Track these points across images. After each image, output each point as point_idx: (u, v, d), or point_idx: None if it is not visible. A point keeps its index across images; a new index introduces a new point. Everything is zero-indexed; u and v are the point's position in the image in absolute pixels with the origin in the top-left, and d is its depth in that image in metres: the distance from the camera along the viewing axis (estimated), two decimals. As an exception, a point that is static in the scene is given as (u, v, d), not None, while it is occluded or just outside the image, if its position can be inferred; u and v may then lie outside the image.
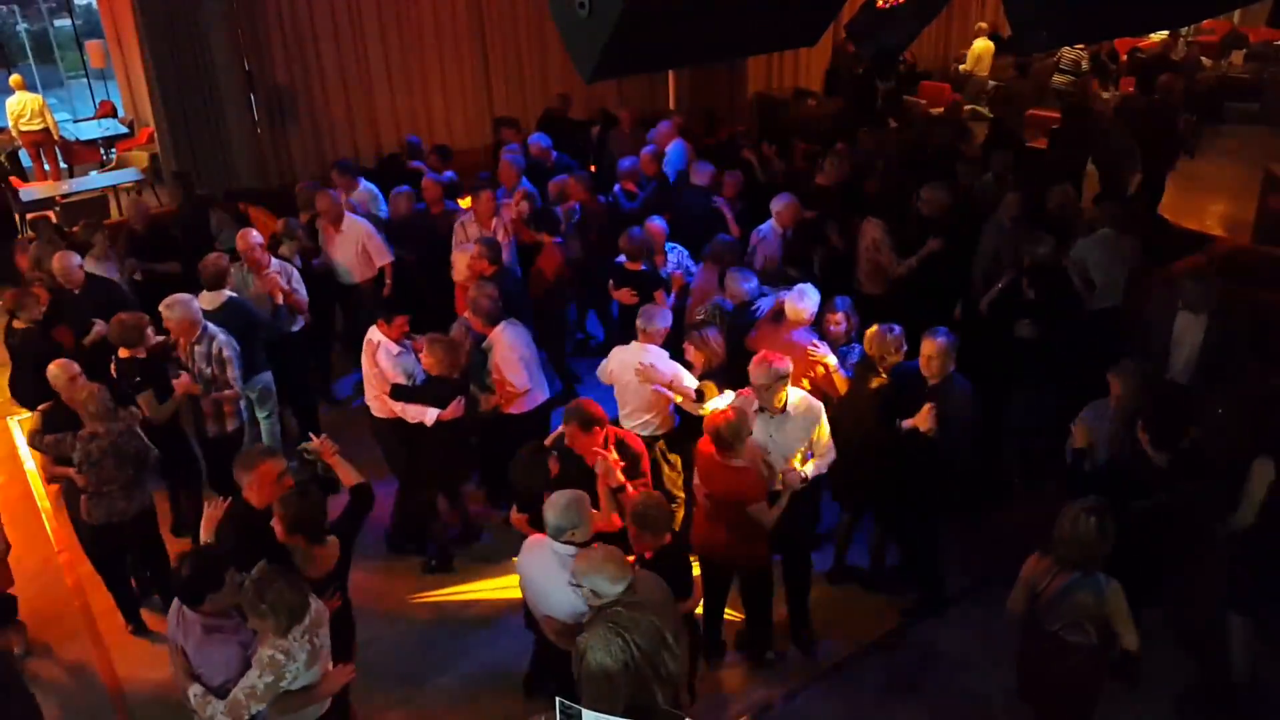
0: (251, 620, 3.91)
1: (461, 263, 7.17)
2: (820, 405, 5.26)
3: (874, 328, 5.55)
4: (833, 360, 5.74)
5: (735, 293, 6.45)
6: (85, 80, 16.95)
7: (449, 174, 9.56)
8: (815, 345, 5.77)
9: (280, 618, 3.85)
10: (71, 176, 13.36)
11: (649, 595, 3.90)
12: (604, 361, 6.17)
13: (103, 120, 14.69)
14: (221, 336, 6.35)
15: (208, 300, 6.73)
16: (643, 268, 7.21)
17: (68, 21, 17.87)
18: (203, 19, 10.43)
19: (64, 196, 11.63)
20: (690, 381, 5.75)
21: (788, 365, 5.07)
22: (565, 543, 4.23)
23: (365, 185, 9.01)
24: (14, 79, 13.22)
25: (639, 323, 5.96)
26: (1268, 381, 6.23)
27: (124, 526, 5.67)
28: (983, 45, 15.97)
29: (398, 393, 6.06)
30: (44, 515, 7.17)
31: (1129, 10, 3.48)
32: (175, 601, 4.12)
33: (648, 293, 6.95)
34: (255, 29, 11.26)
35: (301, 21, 11.55)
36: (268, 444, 7.02)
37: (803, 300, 5.89)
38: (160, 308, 6.27)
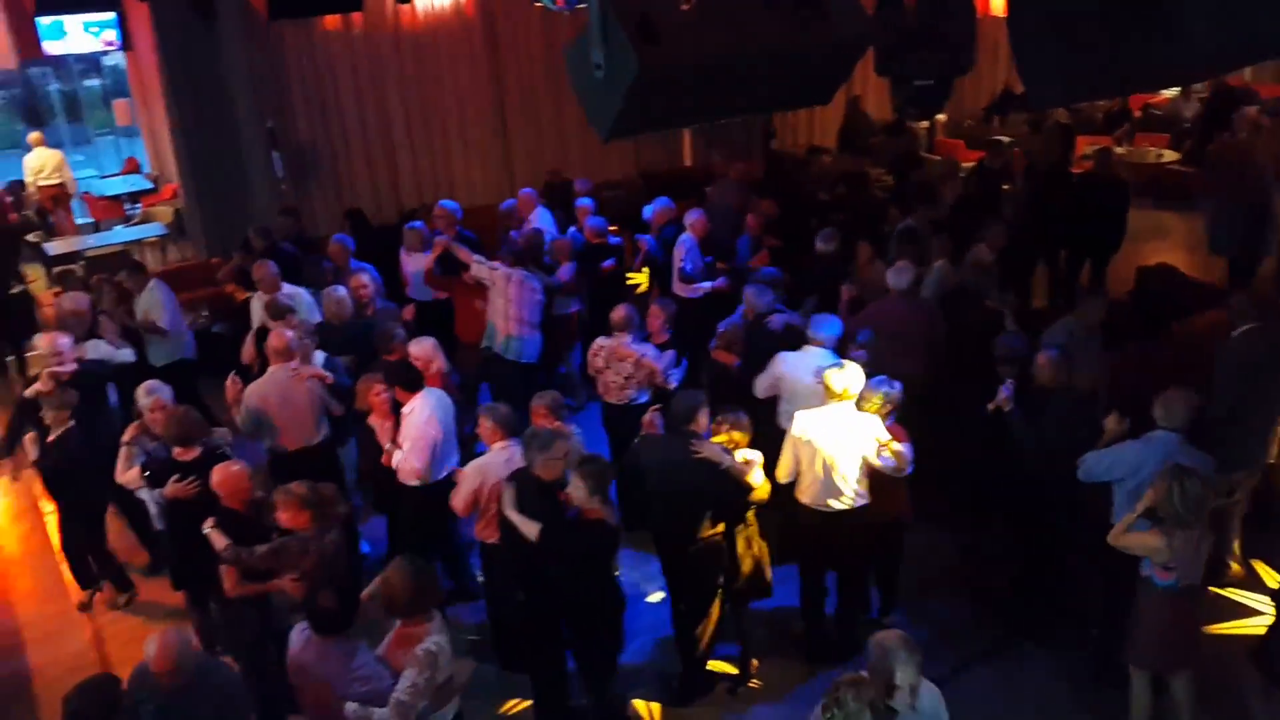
0: (408, 617, 4.11)
1: None
2: None
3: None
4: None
5: (753, 305, 6.89)
6: (112, 138, 17.40)
7: (469, 232, 8.94)
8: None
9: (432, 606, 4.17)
10: (96, 231, 13.56)
11: None
12: (773, 366, 6.20)
13: (128, 176, 14.92)
14: None
15: None
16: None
17: (97, 81, 18.31)
18: (226, 79, 10.66)
19: (89, 250, 11.81)
20: None
21: None
22: None
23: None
24: (33, 136, 13.45)
25: (809, 332, 6.16)
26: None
27: None
28: None
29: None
30: (63, 565, 7.17)
31: (1142, 68, 3.52)
32: (299, 633, 4.40)
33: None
34: (278, 88, 11.53)
35: (324, 81, 11.82)
36: None
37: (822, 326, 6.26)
38: None
